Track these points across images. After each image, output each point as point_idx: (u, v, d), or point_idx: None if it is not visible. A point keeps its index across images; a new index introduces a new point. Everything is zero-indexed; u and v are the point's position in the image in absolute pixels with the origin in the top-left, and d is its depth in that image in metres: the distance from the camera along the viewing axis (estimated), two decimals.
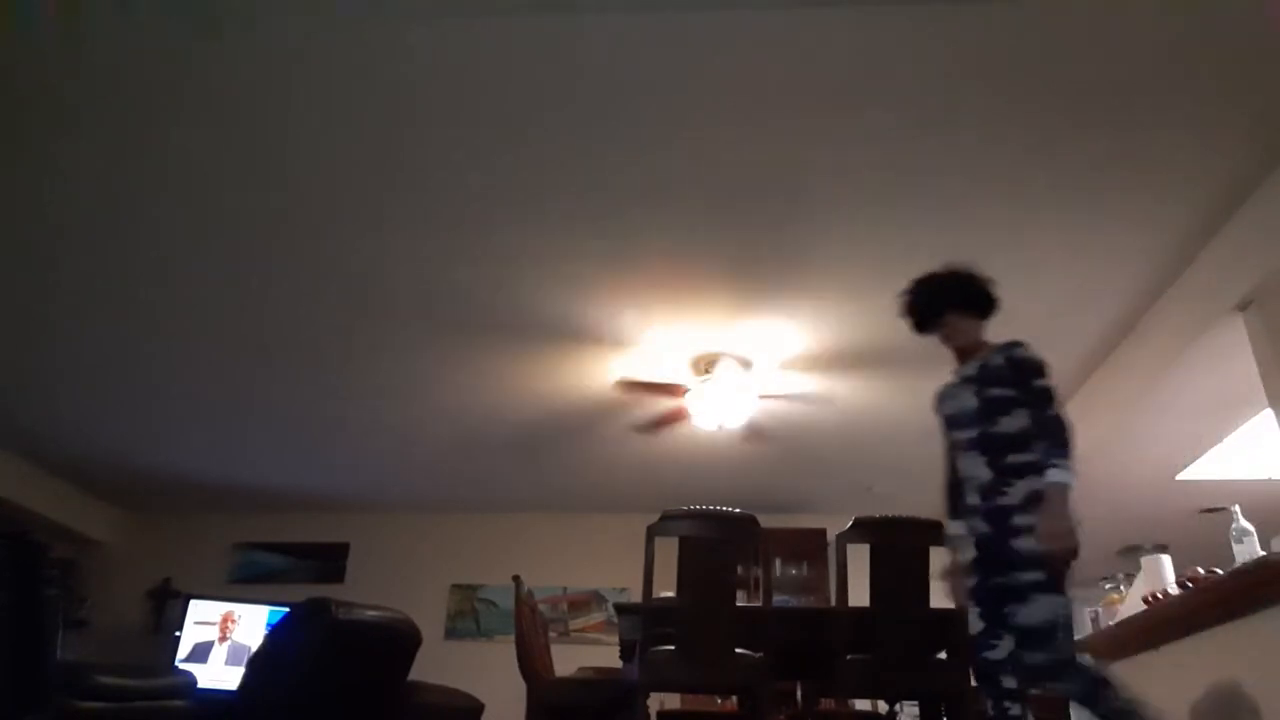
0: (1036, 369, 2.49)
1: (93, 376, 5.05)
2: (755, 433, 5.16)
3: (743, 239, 3.71)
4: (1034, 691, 2.48)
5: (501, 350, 4.68)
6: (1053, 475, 2.33)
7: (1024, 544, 2.35)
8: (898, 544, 3.13)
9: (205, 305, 4.29)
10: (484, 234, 3.71)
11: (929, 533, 3.07)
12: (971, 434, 2.53)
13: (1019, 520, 2.37)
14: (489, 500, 7.12)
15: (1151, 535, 6.14)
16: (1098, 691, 2.28)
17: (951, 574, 2.63)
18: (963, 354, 2.68)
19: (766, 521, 3.25)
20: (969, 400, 2.55)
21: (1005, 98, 2.91)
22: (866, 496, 6.35)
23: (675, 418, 5.01)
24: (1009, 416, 2.47)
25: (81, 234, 3.73)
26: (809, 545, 6.60)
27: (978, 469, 2.49)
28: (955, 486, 2.65)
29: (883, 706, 4.33)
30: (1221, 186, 3.32)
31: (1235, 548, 3.16)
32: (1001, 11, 2.60)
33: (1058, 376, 2.50)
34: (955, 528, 2.64)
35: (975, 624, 2.49)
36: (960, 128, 3.04)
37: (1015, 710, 2.38)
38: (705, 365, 4.72)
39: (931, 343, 2.75)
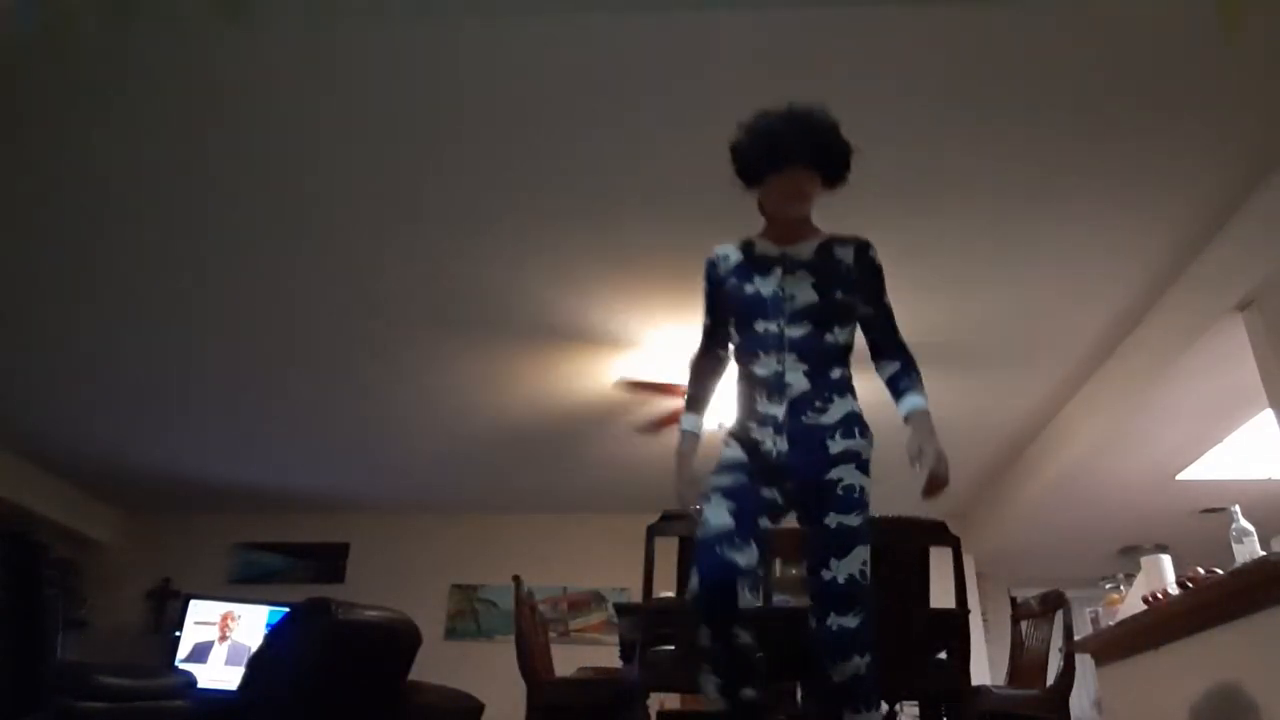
0: (883, 279, 2.19)
1: (93, 376, 5.05)
2: None
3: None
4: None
5: (502, 350, 4.69)
6: (921, 402, 2.08)
7: (852, 478, 2.01)
8: (897, 544, 3.12)
9: (206, 305, 4.29)
10: (486, 235, 3.71)
11: (929, 533, 3.07)
12: (795, 332, 2.08)
13: (835, 446, 2.02)
14: (489, 500, 7.12)
15: (1151, 535, 6.15)
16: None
17: (683, 474, 2.30)
18: (786, 229, 2.20)
19: None
20: (804, 292, 2.10)
21: (1003, 99, 2.91)
22: None
23: (675, 419, 5.00)
24: (845, 327, 2.13)
25: (82, 233, 3.73)
26: None
27: (793, 375, 2.05)
28: (713, 375, 2.31)
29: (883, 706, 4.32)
30: (1221, 187, 3.32)
31: (1235, 548, 3.15)
32: (1007, 14, 2.60)
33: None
34: (691, 422, 2.29)
35: (721, 518, 1.97)
36: (959, 128, 3.05)
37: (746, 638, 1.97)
38: None
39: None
